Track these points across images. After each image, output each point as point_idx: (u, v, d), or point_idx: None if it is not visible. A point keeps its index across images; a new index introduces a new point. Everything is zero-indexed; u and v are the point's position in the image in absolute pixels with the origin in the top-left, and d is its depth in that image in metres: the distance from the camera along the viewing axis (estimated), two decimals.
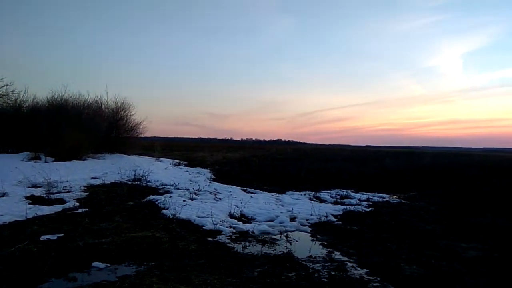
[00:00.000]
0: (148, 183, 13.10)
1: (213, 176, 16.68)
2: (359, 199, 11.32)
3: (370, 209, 9.75)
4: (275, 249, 5.96)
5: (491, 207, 10.24)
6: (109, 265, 4.89)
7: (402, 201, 11.39)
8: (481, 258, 5.67)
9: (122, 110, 24.15)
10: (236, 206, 9.04)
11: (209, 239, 6.35)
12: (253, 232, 6.95)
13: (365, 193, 12.81)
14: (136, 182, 13.24)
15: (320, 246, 6.29)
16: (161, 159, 24.03)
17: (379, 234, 7.03)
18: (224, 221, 7.55)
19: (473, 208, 10.04)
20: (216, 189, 12.26)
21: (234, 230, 6.99)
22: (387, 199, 11.73)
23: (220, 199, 10.48)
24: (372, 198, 11.61)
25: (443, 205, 10.56)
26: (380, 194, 12.60)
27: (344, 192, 12.63)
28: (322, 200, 11.15)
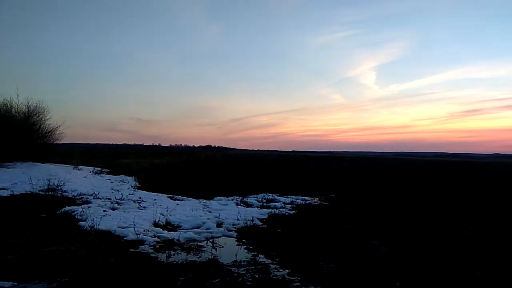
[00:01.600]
0: (64, 193, 12.14)
1: (138, 184, 16.02)
2: (284, 203, 11.73)
3: (294, 211, 10.16)
4: (200, 256, 5.92)
5: (400, 206, 11.28)
6: (15, 284, 4.45)
7: (323, 203, 12.04)
8: (391, 253, 6.22)
9: (36, 114, 22.10)
10: (161, 214, 8.80)
11: (131, 250, 6.09)
12: (178, 240, 6.82)
13: (289, 196, 13.31)
14: (51, 193, 12.18)
15: (245, 250, 6.39)
16: (80, 167, 22.44)
17: (301, 236, 7.34)
18: (148, 230, 7.30)
19: (385, 208, 10.96)
20: (140, 198, 11.80)
21: (158, 239, 6.80)
22: (310, 201, 12.32)
23: (144, 207, 10.11)
24: (296, 201, 12.10)
25: (359, 205, 11.38)
26: (304, 197, 13.21)
27: (270, 196, 12.98)
28: (249, 205, 11.33)
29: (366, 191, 15.22)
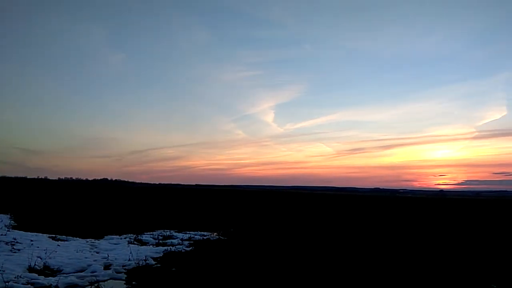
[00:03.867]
0: None
1: (13, 223, 14.03)
2: (182, 239, 11.42)
3: (191, 248, 9.94)
4: None
5: (296, 238, 11.85)
6: None
7: (221, 237, 12.04)
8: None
9: None
10: (39, 257, 7.81)
11: None
12: (57, 286, 6.10)
13: (188, 232, 13.03)
14: None
15: None
16: None
17: (195, 274, 7.19)
18: (21, 277, 6.40)
19: (279, 241, 11.40)
20: (15, 238, 10.32)
21: (32, 287, 6.00)
22: (208, 236, 12.21)
23: (18, 250, 8.87)
24: (194, 237, 11.88)
25: (254, 239, 11.64)
26: (202, 233, 13.05)
27: (168, 233, 12.53)
28: (143, 243, 10.75)
29: (263, 224, 15.67)
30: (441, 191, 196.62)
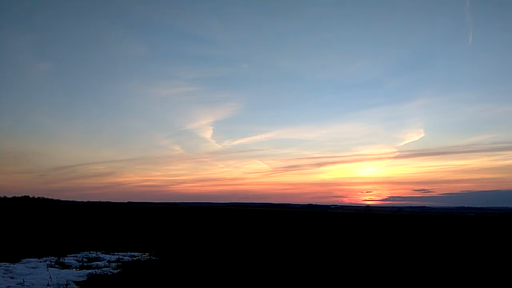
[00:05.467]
0: None
1: None
2: (109, 261, 10.85)
3: (118, 270, 9.49)
4: None
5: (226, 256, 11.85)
6: None
7: (152, 258, 11.65)
8: None
9: None
10: None
11: None
12: None
13: (117, 253, 12.42)
14: None
15: None
16: None
17: None
18: None
19: (213, 259, 11.35)
20: None
21: None
22: (138, 257, 11.74)
23: None
24: (123, 258, 11.35)
25: (188, 258, 11.46)
26: (132, 253, 12.51)
27: (94, 255, 11.84)
28: (66, 266, 10.04)
29: (198, 243, 15.46)
30: (368, 206, 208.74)
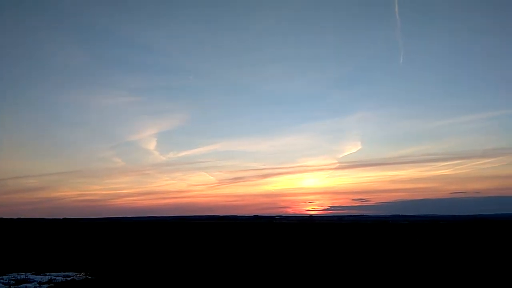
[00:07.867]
0: None
1: None
2: (40, 282, 10.21)
3: None
4: None
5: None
6: None
7: (88, 277, 11.14)
8: None
9: None
10: None
11: None
12: None
13: (49, 273, 11.69)
14: None
15: None
16: None
17: None
18: None
19: (155, 277, 11.12)
20: None
21: None
22: (73, 277, 11.16)
23: None
24: (55, 279, 10.73)
25: (127, 277, 11.13)
26: (66, 273, 11.84)
27: (23, 276, 11.06)
28: None
29: (139, 260, 15.01)
30: (311, 216, 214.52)
